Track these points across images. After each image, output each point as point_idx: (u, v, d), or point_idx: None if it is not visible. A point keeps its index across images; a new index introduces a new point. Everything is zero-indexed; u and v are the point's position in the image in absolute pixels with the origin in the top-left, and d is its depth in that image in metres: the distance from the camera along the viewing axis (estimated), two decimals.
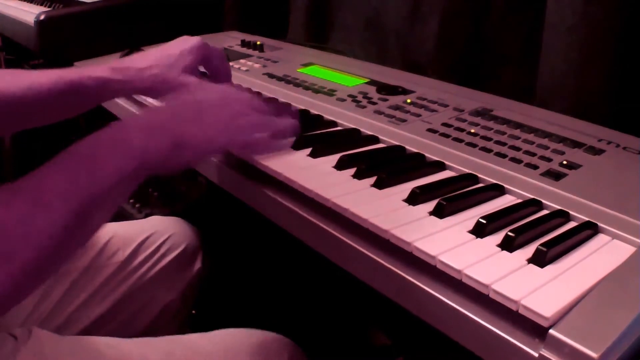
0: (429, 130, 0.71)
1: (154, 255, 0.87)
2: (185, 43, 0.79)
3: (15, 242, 0.44)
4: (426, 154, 0.65)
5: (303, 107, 0.81)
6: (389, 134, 0.71)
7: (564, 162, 0.62)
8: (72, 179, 0.48)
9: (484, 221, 0.49)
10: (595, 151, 0.65)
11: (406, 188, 0.56)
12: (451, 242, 0.48)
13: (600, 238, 0.50)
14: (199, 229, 0.96)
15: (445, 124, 0.73)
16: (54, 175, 0.48)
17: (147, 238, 0.88)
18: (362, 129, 0.73)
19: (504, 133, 0.70)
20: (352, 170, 0.61)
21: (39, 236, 0.45)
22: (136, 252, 0.86)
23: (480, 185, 0.60)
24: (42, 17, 1.18)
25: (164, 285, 0.87)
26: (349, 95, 0.84)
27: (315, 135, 0.70)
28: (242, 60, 1.07)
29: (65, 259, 0.49)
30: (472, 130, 0.71)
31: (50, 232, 0.45)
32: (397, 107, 0.79)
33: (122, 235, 0.87)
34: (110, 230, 0.87)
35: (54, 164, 0.49)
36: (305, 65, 1.01)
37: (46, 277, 0.48)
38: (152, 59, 0.77)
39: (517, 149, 0.66)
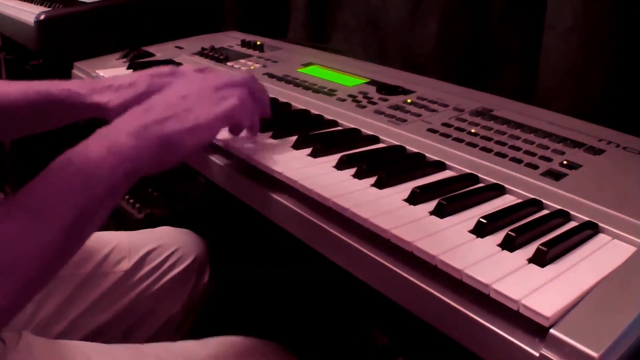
0: (429, 130, 0.71)
1: (160, 267, 0.86)
2: None
3: (15, 256, 0.44)
4: (426, 154, 0.65)
5: (303, 107, 0.81)
6: (389, 134, 0.71)
7: (564, 162, 0.62)
8: (66, 192, 0.48)
9: (485, 221, 0.49)
10: (595, 151, 0.65)
11: (406, 188, 0.56)
12: (451, 242, 0.48)
13: (601, 238, 0.50)
14: (207, 240, 0.95)
15: (445, 124, 0.73)
16: (47, 188, 0.48)
17: (154, 249, 0.87)
18: (362, 129, 0.73)
19: (504, 133, 0.70)
20: (352, 170, 0.61)
21: (37, 249, 0.46)
22: (142, 262, 0.85)
23: (481, 185, 0.60)
24: (42, 17, 1.18)
25: (169, 297, 0.87)
26: (349, 95, 0.84)
27: (315, 135, 0.70)
28: (242, 60, 1.07)
29: (62, 266, 0.50)
30: (473, 130, 0.71)
31: (48, 244, 0.46)
32: (397, 107, 0.79)
33: (128, 243, 0.86)
34: (116, 238, 0.87)
35: (46, 176, 0.49)
36: (305, 65, 1.01)
37: (44, 285, 0.49)
38: (118, 82, 0.75)
39: (518, 149, 0.66)
